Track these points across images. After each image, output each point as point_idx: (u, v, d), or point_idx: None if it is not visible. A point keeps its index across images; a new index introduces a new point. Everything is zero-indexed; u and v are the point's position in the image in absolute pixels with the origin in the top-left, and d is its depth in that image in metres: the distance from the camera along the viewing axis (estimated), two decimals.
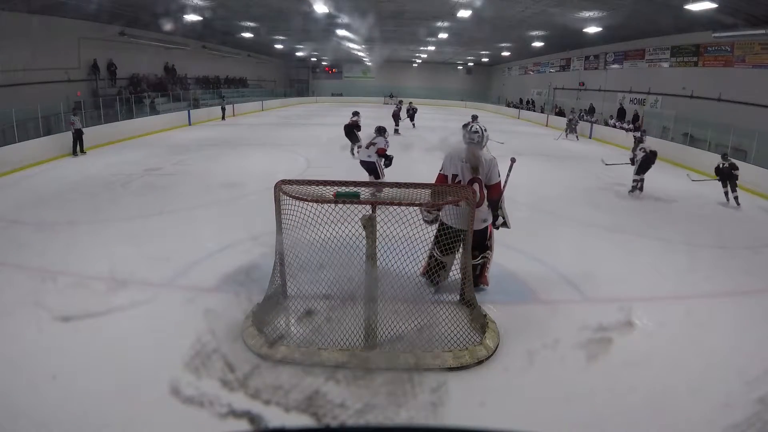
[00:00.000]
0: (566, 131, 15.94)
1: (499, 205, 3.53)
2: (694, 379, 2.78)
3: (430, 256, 3.56)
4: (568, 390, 2.60)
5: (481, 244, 3.55)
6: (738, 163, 8.77)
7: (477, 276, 3.58)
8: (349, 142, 9.22)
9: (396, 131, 14.48)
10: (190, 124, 16.32)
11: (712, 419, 2.44)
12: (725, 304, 3.91)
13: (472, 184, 3.41)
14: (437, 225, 3.47)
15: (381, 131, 6.57)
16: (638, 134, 9.80)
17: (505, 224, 3.63)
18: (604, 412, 2.47)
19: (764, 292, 4.21)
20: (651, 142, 9.45)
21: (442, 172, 3.59)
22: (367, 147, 6.52)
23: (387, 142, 6.52)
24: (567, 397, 2.55)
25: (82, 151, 10.20)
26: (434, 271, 3.49)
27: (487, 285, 3.73)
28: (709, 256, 5.08)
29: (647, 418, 2.45)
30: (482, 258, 3.61)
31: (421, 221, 3.17)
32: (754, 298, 4.06)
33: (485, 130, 3.57)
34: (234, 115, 20.13)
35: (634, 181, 7.68)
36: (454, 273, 3.47)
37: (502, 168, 3.58)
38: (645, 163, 7.51)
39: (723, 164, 7.62)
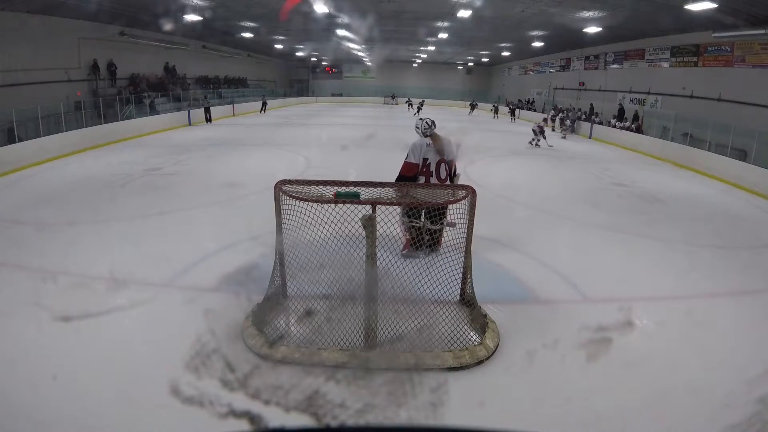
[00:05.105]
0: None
1: (455, 174, 4.41)
2: (694, 379, 2.78)
3: (411, 228, 4.03)
4: (568, 390, 2.60)
5: (442, 213, 3.81)
6: (738, 162, 9.35)
7: (437, 240, 3.99)
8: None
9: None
10: (190, 124, 16.33)
11: (712, 419, 2.44)
12: (725, 304, 3.90)
13: (440, 165, 4.22)
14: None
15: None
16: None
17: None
18: (604, 412, 2.47)
19: (764, 292, 4.20)
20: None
21: (408, 160, 4.25)
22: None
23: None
24: (567, 397, 2.55)
25: (210, 120, 17.10)
26: (419, 237, 3.90)
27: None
28: (709, 256, 5.07)
29: (647, 418, 2.45)
30: (441, 224, 3.92)
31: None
32: (754, 298, 4.05)
33: (434, 121, 4.49)
34: (234, 115, 20.22)
35: None
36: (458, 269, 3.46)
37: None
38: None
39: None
